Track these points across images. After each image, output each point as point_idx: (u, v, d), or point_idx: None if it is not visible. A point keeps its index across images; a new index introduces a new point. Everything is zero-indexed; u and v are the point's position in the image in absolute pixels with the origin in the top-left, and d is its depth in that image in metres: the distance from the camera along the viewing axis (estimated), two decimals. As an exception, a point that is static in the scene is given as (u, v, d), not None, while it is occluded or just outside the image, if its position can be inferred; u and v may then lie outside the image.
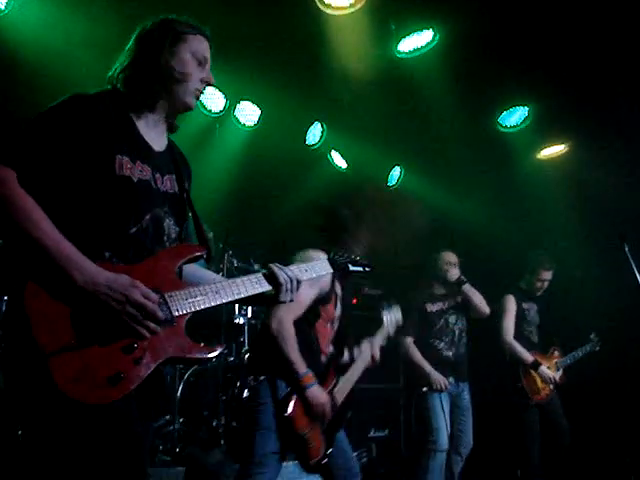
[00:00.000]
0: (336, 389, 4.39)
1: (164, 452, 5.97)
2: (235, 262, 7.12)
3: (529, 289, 7.20)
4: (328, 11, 6.57)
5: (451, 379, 6.47)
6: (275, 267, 2.84)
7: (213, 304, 2.63)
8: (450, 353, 6.57)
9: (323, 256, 4.17)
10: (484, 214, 9.13)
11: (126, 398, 2.33)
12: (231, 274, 6.95)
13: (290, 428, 4.00)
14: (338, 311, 4.49)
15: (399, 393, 8.48)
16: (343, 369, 4.54)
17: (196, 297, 2.57)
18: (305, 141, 9.16)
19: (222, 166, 8.52)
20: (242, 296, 2.73)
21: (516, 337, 6.93)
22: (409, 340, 6.58)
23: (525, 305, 7.15)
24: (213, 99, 8.24)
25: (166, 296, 2.50)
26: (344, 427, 4.43)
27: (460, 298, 6.77)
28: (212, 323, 6.90)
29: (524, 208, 8.96)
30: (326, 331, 4.38)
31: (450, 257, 6.88)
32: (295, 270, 2.90)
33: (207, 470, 5.31)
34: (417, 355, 6.52)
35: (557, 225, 8.50)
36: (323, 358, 4.35)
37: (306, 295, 4.11)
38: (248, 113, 8.56)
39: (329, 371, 4.38)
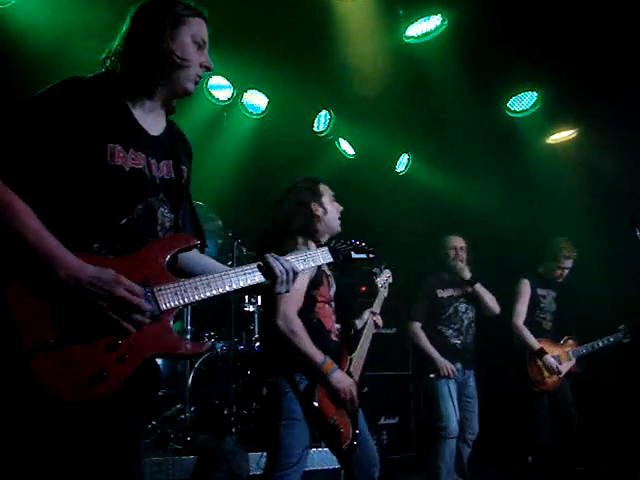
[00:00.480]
0: (352, 367, 4.38)
1: (175, 441, 5.98)
2: (244, 250, 7.12)
3: (548, 276, 7.09)
4: (336, -2, 6.57)
5: (458, 365, 6.44)
6: (270, 258, 2.74)
7: (203, 297, 2.53)
8: (458, 341, 6.53)
9: (310, 244, 4.21)
10: (493, 200, 9.08)
11: (109, 397, 2.26)
12: (241, 262, 6.94)
13: (320, 418, 3.98)
14: (333, 289, 4.46)
15: (409, 380, 8.49)
16: (352, 345, 4.52)
17: (185, 290, 2.48)
18: (313, 129, 9.16)
19: (230, 155, 8.53)
20: (235, 288, 2.64)
21: (528, 323, 6.85)
22: (417, 325, 6.55)
23: (541, 291, 7.04)
24: (220, 87, 8.22)
25: (154, 289, 2.41)
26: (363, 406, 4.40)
27: (469, 288, 6.73)
28: (222, 310, 6.91)
29: (534, 193, 8.91)
30: (327, 312, 4.33)
31: (456, 242, 6.82)
32: (292, 260, 2.81)
33: (219, 458, 5.31)
34: (424, 341, 6.49)
35: (567, 210, 8.44)
36: (333, 337, 4.32)
37: (302, 283, 4.07)
38: (256, 101, 8.55)
39: (342, 350, 4.36)
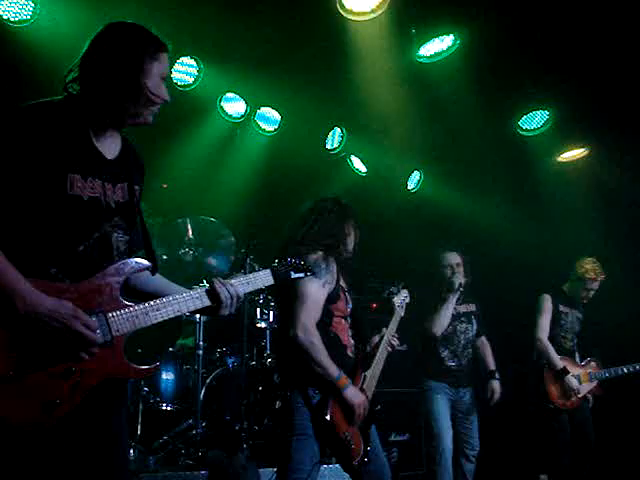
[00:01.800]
0: (365, 384, 4.40)
1: (187, 456, 6.00)
2: (257, 267, 7.13)
3: (572, 295, 7.02)
4: (349, 17, 6.60)
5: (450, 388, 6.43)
6: (217, 283, 2.88)
7: (153, 322, 2.68)
8: (453, 364, 6.46)
9: (329, 258, 4.25)
10: (504, 218, 9.10)
11: (63, 421, 2.42)
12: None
13: (332, 432, 4.00)
14: (350, 305, 4.50)
15: (418, 397, 8.47)
16: (366, 362, 4.55)
17: (137, 316, 2.64)
18: (325, 146, 9.20)
19: (243, 171, 8.58)
20: (183, 312, 2.81)
21: (548, 339, 6.80)
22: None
23: (563, 308, 6.97)
24: (233, 104, 8.29)
25: (107, 316, 2.55)
26: (375, 424, 4.42)
27: (473, 306, 6.71)
28: (234, 326, 6.94)
29: (544, 211, 8.93)
30: (344, 327, 4.37)
31: (452, 258, 6.68)
32: (236, 285, 2.94)
33: (229, 474, 5.32)
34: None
35: (578, 228, 8.46)
36: (349, 352, 4.36)
37: (320, 297, 4.13)
38: (269, 118, 8.62)
39: (357, 367, 4.39)
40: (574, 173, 8.85)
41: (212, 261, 7.41)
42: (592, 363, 6.95)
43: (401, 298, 5.14)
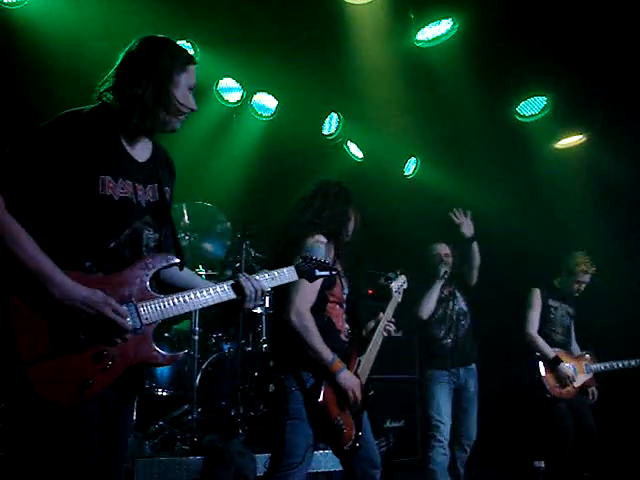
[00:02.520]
0: (359, 369, 4.38)
1: (183, 441, 5.98)
2: (253, 252, 7.12)
3: (563, 289, 7.04)
4: (347, 1, 6.56)
5: (452, 370, 6.41)
6: (242, 277, 3.06)
7: (181, 312, 2.87)
8: (449, 340, 6.43)
9: (324, 239, 4.23)
10: (501, 204, 9.08)
11: (95, 400, 2.64)
12: (249, 265, 6.96)
13: (324, 416, 3.99)
14: (346, 291, 4.49)
15: (415, 384, 8.48)
16: (361, 347, 4.53)
17: (165, 306, 2.82)
18: (322, 132, 9.18)
19: (239, 157, 8.57)
20: (209, 304, 2.98)
21: (538, 333, 6.82)
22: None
23: (552, 302, 7.00)
24: (230, 89, 8.26)
25: (137, 305, 2.75)
26: (368, 410, 4.41)
27: (455, 288, 6.70)
28: (230, 313, 6.92)
29: (542, 198, 8.92)
30: (338, 312, 4.36)
31: (441, 248, 6.83)
32: (261, 280, 3.13)
33: (226, 459, 5.32)
34: None
35: (575, 215, 8.45)
36: (343, 337, 4.35)
37: (316, 282, 4.09)
38: (265, 104, 8.60)
39: (351, 352, 4.38)
40: (571, 160, 8.83)
41: (208, 246, 7.38)
42: (587, 355, 6.97)
43: (399, 284, 5.13)
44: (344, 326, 4.42)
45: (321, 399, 3.97)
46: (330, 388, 4.04)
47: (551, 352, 6.72)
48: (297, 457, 3.94)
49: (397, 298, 5.07)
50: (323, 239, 4.24)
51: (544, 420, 6.77)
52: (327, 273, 3.52)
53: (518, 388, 8.02)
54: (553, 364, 6.68)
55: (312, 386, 4.02)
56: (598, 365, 6.95)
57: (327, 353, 4.04)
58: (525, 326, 6.85)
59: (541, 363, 6.71)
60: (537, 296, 6.94)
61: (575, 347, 7.17)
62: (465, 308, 6.67)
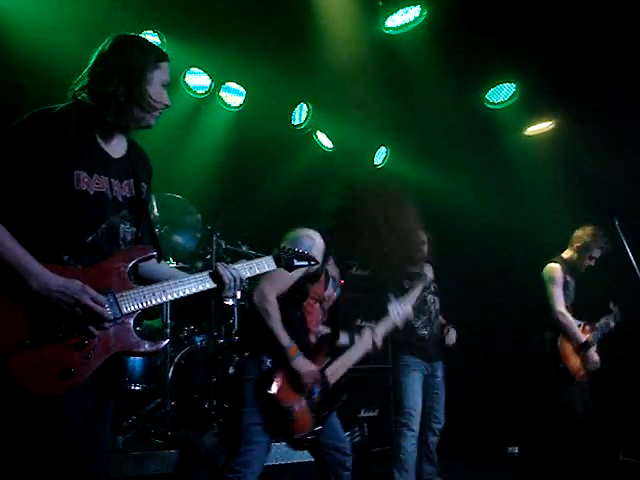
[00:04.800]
0: (329, 370, 4.35)
1: (156, 435, 5.94)
2: (223, 244, 7.07)
3: (574, 264, 6.74)
4: (315, -11, 6.54)
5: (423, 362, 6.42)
6: (220, 266, 3.09)
7: (159, 301, 2.90)
8: (425, 332, 6.46)
9: (316, 236, 4.20)
10: (471, 192, 9.12)
11: (77, 389, 2.66)
12: (219, 256, 6.91)
13: (274, 402, 3.95)
14: (330, 291, 4.44)
15: (388, 373, 8.48)
16: (339, 351, 4.50)
17: (144, 296, 2.85)
18: (291, 122, 9.16)
19: (208, 147, 8.53)
20: (187, 294, 3.00)
21: None
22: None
23: (568, 278, 6.70)
24: (198, 80, 8.20)
25: (116, 295, 2.78)
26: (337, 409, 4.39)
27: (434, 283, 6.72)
28: (202, 305, 6.88)
29: (511, 185, 8.95)
30: (315, 310, 4.33)
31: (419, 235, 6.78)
32: (239, 269, 3.17)
33: (200, 452, 5.30)
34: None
35: (545, 202, 8.49)
36: (312, 338, 4.31)
37: (291, 273, 4.08)
38: (233, 94, 8.55)
39: (319, 351, 4.34)
40: (541, 147, 8.86)
41: (178, 239, 7.34)
42: (587, 327, 6.69)
43: (399, 309, 4.88)
44: (318, 327, 4.40)
45: (272, 385, 3.95)
46: (285, 374, 4.01)
47: (582, 336, 6.48)
48: (253, 444, 3.94)
49: (394, 320, 4.85)
50: (316, 235, 4.22)
51: (558, 406, 6.55)
52: (305, 263, 3.52)
53: (492, 374, 8.06)
54: (584, 348, 6.46)
55: (266, 371, 3.99)
56: (596, 334, 6.67)
57: (284, 338, 4.00)
58: (553, 304, 6.50)
59: (564, 344, 6.48)
60: (559, 271, 6.61)
61: None
62: (439, 308, 6.69)
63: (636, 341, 7.22)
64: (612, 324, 6.76)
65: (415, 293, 5.19)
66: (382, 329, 4.81)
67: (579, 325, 6.60)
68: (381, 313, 4.91)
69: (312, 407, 4.15)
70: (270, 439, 4.03)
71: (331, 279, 4.44)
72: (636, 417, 7.46)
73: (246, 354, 4.10)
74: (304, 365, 4.07)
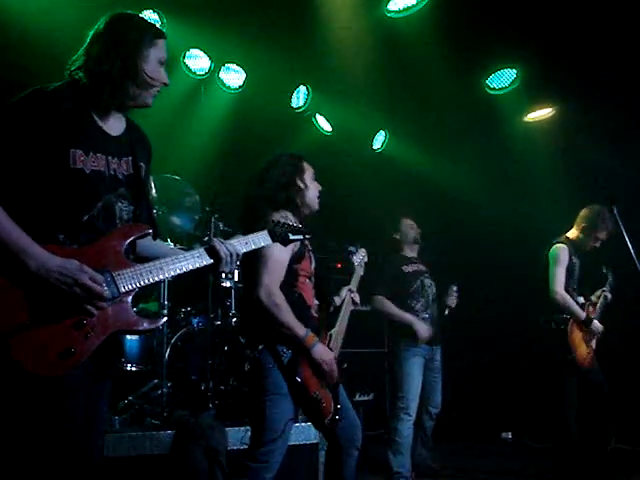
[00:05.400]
0: (332, 343, 4.40)
1: (152, 416, 5.94)
2: (221, 226, 7.05)
3: (580, 244, 6.54)
4: (317, -29, 6.51)
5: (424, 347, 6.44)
6: (216, 242, 3.05)
7: (157, 279, 2.88)
8: (426, 315, 6.49)
9: (288, 214, 4.22)
10: (470, 177, 9.12)
11: (78, 370, 2.65)
12: (218, 238, 6.89)
13: (303, 391, 3.98)
14: (314, 265, 4.46)
15: (384, 357, 8.50)
16: (331, 321, 4.54)
17: (141, 274, 2.82)
18: (290, 104, 9.14)
19: (207, 129, 8.51)
20: (184, 270, 2.97)
21: None
22: (380, 297, 6.51)
23: (574, 259, 6.50)
24: (198, 61, 8.17)
25: (114, 274, 2.75)
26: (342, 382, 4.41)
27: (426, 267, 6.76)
28: (199, 286, 6.87)
29: (510, 171, 8.94)
30: (308, 287, 4.33)
31: (409, 222, 6.88)
32: (235, 244, 3.12)
33: (196, 433, 5.29)
34: (393, 308, 6.41)
35: (545, 188, 8.49)
36: (313, 312, 4.32)
37: (283, 258, 4.07)
38: (233, 76, 8.53)
39: (322, 326, 4.37)
40: (541, 133, 8.87)
41: (176, 220, 7.30)
42: (590, 308, 6.53)
43: (360, 257, 5.20)
44: (314, 301, 4.40)
45: (299, 377, 3.96)
46: (306, 363, 4.03)
47: (582, 312, 6.33)
48: (277, 431, 3.93)
49: (359, 271, 5.14)
50: (287, 214, 4.21)
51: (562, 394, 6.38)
52: (301, 237, 3.51)
53: (479, 358, 8.03)
54: (586, 324, 6.33)
55: (289, 362, 4.00)
56: (598, 312, 6.54)
57: (300, 329, 4.01)
58: (554, 284, 6.33)
59: (570, 327, 6.31)
60: (565, 252, 6.42)
61: None
62: (436, 293, 6.73)
63: (629, 331, 7.24)
64: (609, 296, 6.67)
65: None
66: (355, 284, 5.00)
67: (583, 304, 6.48)
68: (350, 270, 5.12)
69: (329, 386, 4.17)
70: (292, 423, 4.04)
71: (311, 252, 4.46)
72: (629, 404, 7.49)
73: (260, 347, 4.07)
74: (324, 353, 4.09)
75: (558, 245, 6.46)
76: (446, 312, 6.73)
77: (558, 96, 8.55)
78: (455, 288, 6.71)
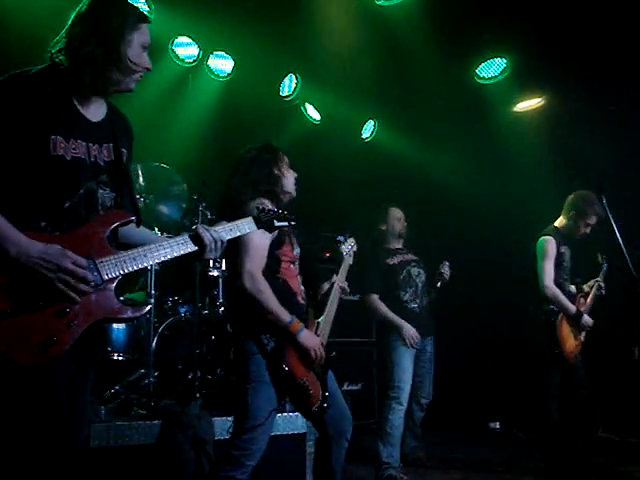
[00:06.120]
0: (319, 331, 4.37)
1: (139, 406, 5.91)
2: (209, 215, 7.02)
3: (569, 233, 6.49)
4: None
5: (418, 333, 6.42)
6: (200, 228, 3.04)
7: (141, 266, 2.85)
8: (415, 305, 6.48)
9: (266, 201, 4.20)
10: (459, 167, 9.12)
11: (60, 359, 2.61)
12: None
13: (290, 379, 3.98)
14: (297, 251, 4.47)
15: (372, 347, 8.51)
16: (319, 309, 4.53)
17: (125, 261, 2.80)
18: (279, 93, 9.11)
19: (195, 117, 8.48)
20: (169, 257, 2.95)
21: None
22: (374, 297, 6.49)
23: (563, 249, 6.44)
24: (186, 49, 8.13)
25: (97, 261, 2.72)
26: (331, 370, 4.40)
27: (416, 257, 6.74)
28: (186, 275, 6.85)
29: (499, 161, 8.93)
30: (292, 272, 4.36)
31: (397, 213, 6.82)
32: (220, 231, 3.10)
33: (183, 423, 5.27)
34: (386, 311, 6.41)
35: (534, 178, 8.49)
36: (299, 299, 4.34)
37: (263, 243, 4.09)
38: (222, 62, 8.50)
39: (309, 313, 4.36)
40: (530, 123, 8.87)
41: (163, 208, 7.25)
42: (582, 300, 6.52)
43: (348, 246, 5.20)
44: (300, 287, 4.42)
45: (285, 364, 3.96)
46: (292, 350, 4.03)
47: (572, 306, 6.27)
48: (261, 419, 3.93)
49: (348, 260, 5.14)
50: (266, 201, 4.20)
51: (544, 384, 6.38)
52: (286, 223, 3.50)
53: (468, 348, 8.03)
54: (576, 319, 6.28)
55: (273, 350, 4.01)
56: (589, 304, 6.52)
57: (285, 315, 4.02)
58: (543, 278, 6.27)
59: (559, 322, 6.26)
60: (552, 244, 6.35)
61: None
62: (425, 281, 6.69)
63: (616, 321, 7.21)
64: (602, 288, 6.63)
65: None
66: (343, 273, 5.01)
67: (574, 295, 6.48)
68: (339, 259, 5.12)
69: (317, 374, 4.18)
70: (275, 412, 4.04)
71: (293, 237, 4.46)
72: (615, 394, 7.51)
73: (243, 336, 4.09)
74: (310, 338, 4.11)
75: (545, 237, 6.41)
76: (438, 284, 6.65)
77: (548, 86, 8.55)
78: (447, 264, 6.66)
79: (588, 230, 6.44)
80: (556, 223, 6.56)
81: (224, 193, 4.45)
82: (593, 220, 6.38)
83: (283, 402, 4.33)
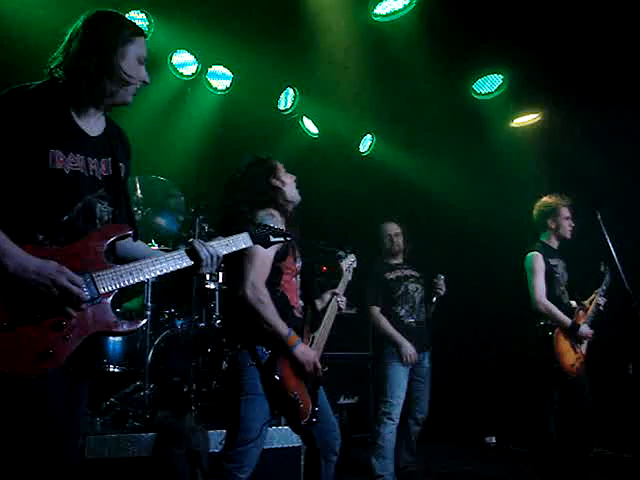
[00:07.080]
0: (314, 346, 4.38)
1: (135, 418, 5.91)
2: (206, 228, 7.03)
3: (557, 238, 6.47)
4: (304, -26, 6.51)
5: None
6: (197, 243, 3.04)
7: (137, 280, 2.86)
8: (412, 320, 6.49)
9: (275, 212, 4.23)
10: (456, 182, 9.13)
11: (57, 372, 2.63)
12: (202, 239, 6.86)
13: (281, 391, 3.97)
14: (299, 264, 4.47)
15: (368, 361, 8.51)
16: (314, 324, 4.53)
17: (121, 275, 2.81)
18: (277, 106, 9.13)
19: (193, 130, 8.50)
20: (164, 272, 2.96)
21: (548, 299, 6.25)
22: (377, 310, 6.51)
23: (552, 261, 6.39)
24: (185, 63, 8.16)
25: (93, 275, 2.73)
26: (323, 385, 4.40)
27: (417, 273, 6.75)
28: (183, 288, 6.85)
29: (496, 176, 8.94)
30: (293, 286, 4.35)
31: (391, 228, 6.84)
32: (216, 246, 3.11)
33: (178, 436, 5.27)
34: (387, 326, 6.41)
35: (529, 194, 8.49)
36: (296, 313, 4.32)
37: (269, 254, 4.08)
38: (220, 77, 8.53)
39: (304, 327, 4.36)
40: (527, 139, 8.88)
41: (161, 221, 7.28)
42: (580, 312, 6.41)
43: (349, 262, 5.22)
44: (298, 302, 4.41)
45: (277, 376, 3.95)
46: (286, 362, 4.03)
47: (567, 319, 6.19)
48: (254, 432, 3.92)
49: (347, 276, 5.15)
50: (274, 212, 4.23)
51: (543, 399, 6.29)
52: (281, 239, 3.53)
53: (465, 362, 8.00)
54: (573, 331, 6.18)
55: (268, 361, 4.00)
56: (590, 316, 6.42)
57: (283, 327, 4.02)
58: (534, 294, 6.24)
59: (556, 335, 6.16)
60: (539, 260, 6.31)
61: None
62: (423, 297, 6.69)
63: (611, 336, 7.21)
64: (602, 302, 6.50)
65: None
66: (342, 288, 5.01)
67: (573, 309, 6.39)
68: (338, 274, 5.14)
69: (309, 388, 4.16)
70: (267, 425, 4.03)
71: (296, 250, 4.46)
72: (611, 409, 7.51)
73: (238, 346, 4.08)
74: (306, 352, 4.10)
75: (531, 253, 6.39)
76: (434, 299, 6.63)
77: (544, 102, 8.57)
78: (443, 277, 6.66)
79: (572, 222, 6.45)
80: (541, 237, 6.55)
81: (225, 208, 4.45)
82: (568, 212, 6.43)
83: (278, 415, 4.31)
